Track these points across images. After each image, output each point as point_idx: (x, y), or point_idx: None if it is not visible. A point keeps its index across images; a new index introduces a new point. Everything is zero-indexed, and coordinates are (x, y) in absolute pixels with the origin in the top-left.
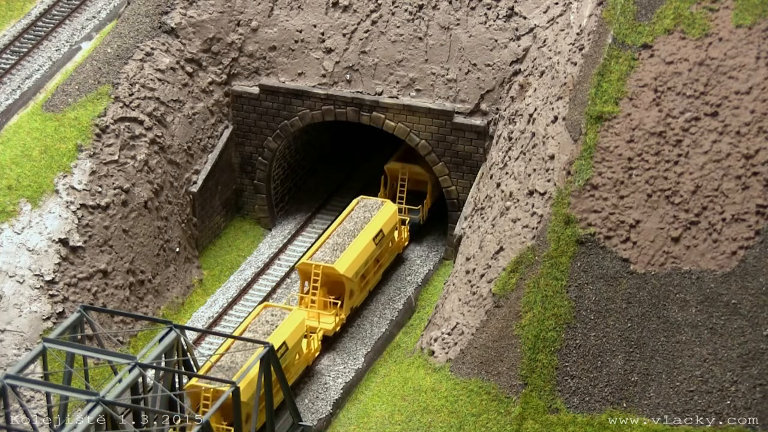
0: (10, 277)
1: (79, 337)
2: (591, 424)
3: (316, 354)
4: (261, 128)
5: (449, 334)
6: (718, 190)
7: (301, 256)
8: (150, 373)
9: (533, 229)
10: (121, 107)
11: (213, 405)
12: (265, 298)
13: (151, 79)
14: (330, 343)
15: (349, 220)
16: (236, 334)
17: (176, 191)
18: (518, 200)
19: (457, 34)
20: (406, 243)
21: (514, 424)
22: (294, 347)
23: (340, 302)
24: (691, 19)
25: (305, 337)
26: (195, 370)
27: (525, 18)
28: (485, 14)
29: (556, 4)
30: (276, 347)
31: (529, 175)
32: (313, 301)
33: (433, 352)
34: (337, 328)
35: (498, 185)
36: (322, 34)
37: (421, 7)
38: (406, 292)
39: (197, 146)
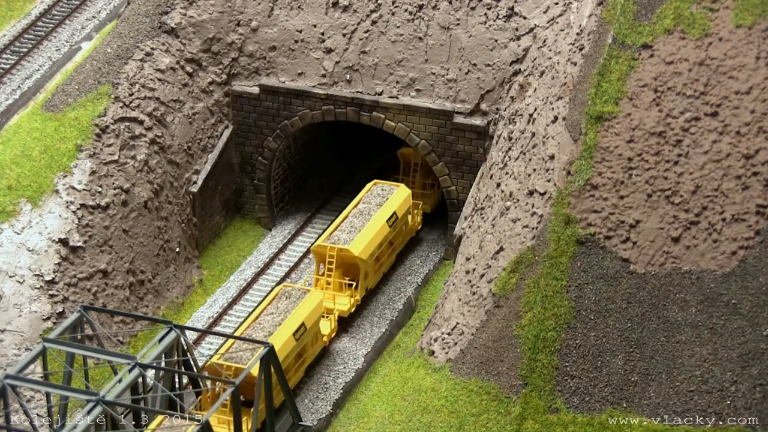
0: (10, 277)
1: (79, 337)
2: (591, 424)
3: (419, 227)
4: (261, 128)
5: (449, 334)
6: (718, 190)
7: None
8: (150, 373)
9: (533, 229)
10: (121, 107)
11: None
12: (265, 299)
13: (151, 79)
14: (331, 342)
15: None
16: (350, 206)
17: (176, 191)
18: (518, 200)
19: (457, 34)
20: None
21: (514, 424)
22: (402, 217)
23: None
24: (691, 19)
25: (408, 213)
26: (195, 370)
27: (525, 18)
28: (485, 14)
29: (556, 4)
30: (389, 215)
31: (529, 175)
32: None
33: (433, 352)
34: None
35: (498, 185)
36: (322, 34)
37: (421, 7)
38: (406, 292)
39: (197, 146)
